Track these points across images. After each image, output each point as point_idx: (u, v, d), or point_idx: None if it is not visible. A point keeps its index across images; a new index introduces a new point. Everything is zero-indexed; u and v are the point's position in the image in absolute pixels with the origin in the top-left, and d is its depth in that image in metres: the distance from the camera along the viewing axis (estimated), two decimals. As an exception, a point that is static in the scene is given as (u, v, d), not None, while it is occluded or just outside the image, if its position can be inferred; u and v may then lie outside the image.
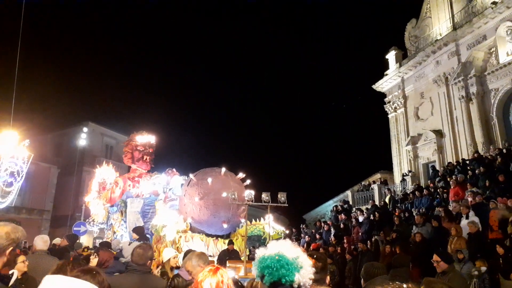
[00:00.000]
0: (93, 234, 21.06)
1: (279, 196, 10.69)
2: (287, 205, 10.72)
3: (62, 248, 9.17)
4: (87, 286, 1.84)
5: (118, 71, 71.60)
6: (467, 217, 10.52)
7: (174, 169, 13.36)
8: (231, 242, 10.85)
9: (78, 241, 10.59)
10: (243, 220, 12.01)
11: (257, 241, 12.19)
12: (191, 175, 11.61)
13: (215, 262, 9.77)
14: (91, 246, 13.73)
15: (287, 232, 16.01)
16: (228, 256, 10.04)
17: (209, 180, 11.10)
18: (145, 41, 73.62)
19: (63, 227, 24.10)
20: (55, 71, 60.81)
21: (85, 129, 27.09)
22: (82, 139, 26.06)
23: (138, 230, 10.03)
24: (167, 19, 74.42)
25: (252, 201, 10.53)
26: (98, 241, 14.02)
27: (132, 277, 3.83)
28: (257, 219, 12.43)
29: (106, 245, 9.66)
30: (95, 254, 8.21)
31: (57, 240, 10.35)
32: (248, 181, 11.82)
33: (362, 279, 4.01)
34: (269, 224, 11.64)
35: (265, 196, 10.55)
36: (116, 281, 3.81)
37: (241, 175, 11.89)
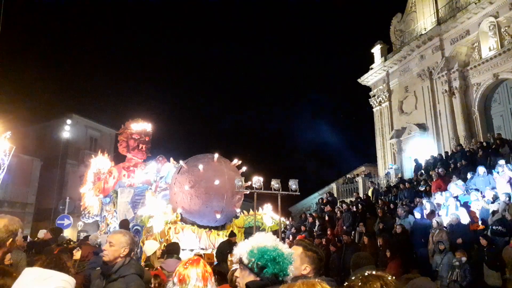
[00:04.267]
0: (77, 227, 20.88)
1: (290, 183, 10.11)
2: (299, 193, 10.22)
3: (42, 241, 9.04)
4: (59, 276, 1.92)
5: (103, 62, 70.63)
6: (456, 209, 10.68)
7: (171, 158, 12.79)
8: (233, 234, 10.04)
9: (62, 234, 10.42)
10: (238, 210, 11.56)
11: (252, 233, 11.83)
12: (181, 162, 11.03)
13: (214, 255, 9.48)
14: (75, 240, 13.53)
15: (287, 222, 15.31)
16: (229, 249, 9.10)
17: (201, 167, 10.42)
18: (129, 31, 72.65)
19: (47, 221, 23.76)
20: (38, 62, 59.69)
21: (68, 121, 26.62)
22: (66, 132, 25.59)
23: (123, 224, 9.78)
24: (151, 6, 73.50)
25: (261, 189, 9.89)
26: (82, 234, 13.85)
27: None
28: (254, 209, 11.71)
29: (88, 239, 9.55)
30: (78, 247, 8.18)
31: (41, 233, 10.21)
32: (244, 168, 11.29)
33: (351, 270, 4.09)
34: (278, 213, 11.00)
35: (275, 183, 9.93)
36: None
37: (236, 161, 11.31)
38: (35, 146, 28.83)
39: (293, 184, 9.91)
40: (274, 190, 10.00)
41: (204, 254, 9.28)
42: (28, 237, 13.82)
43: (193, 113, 75.67)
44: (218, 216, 10.62)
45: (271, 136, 74.35)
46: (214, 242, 10.52)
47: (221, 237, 10.60)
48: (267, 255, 2.05)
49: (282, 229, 13.90)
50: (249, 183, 10.30)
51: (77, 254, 7.29)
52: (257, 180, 9.94)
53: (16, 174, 24.15)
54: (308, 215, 17.45)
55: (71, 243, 10.52)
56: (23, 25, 56.97)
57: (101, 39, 69.89)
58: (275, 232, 13.96)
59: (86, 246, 8.89)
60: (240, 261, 2.14)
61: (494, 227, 9.27)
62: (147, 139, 13.48)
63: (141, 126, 13.45)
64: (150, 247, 6.33)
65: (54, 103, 52.06)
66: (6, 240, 2.60)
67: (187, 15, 73.85)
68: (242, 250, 2.15)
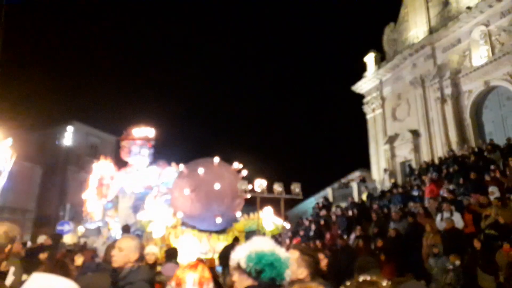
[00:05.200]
0: (78, 233, 20.80)
1: (292, 187, 9.90)
2: (302, 197, 10.15)
3: (37, 247, 9.04)
4: (66, 283, 1.94)
5: (103, 69, 70.54)
6: (451, 214, 10.85)
7: (173, 163, 12.61)
8: (237, 239, 9.82)
9: (61, 240, 10.46)
10: (239, 214, 11.56)
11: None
12: (182, 166, 11.03)
13: (216, 260, 9.41)
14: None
15: (288, 226, 15.22)
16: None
17: (201, 171, 10.37)
18: (129, 37, 72.65)
19: (47, 227, 23.68)
20: (39, 69, 59.50)
21: (69, 128, 26.39)
22: (67, 139, 25.38)
23: (125, 229, 9.85)
24: (150, 10, 73.57)
25: (264, 193, 9.69)
26: (83, 240, 13.86)
27: (102, 277, 3.52)
28: (254, 213, 11.68)
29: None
30: (80, 253, 8.21)
31: (41, 239, 10.23)
32: (244, 172, 11.14)
33: (355, 273, 4.09)
34: (281, 217, 10.88)
35: (278, 187, 9.73)
36: (85, 281, 3.46)
37: (236, 165, 11.18)
38: (36, 153, 28.65)
39: (296, 187, 9.78)
40: (277, 194, 9.90)
41: (205, 258, 9.31)
42: (28, 242, 13.87)
43: (195, 118, 75.41)
44: (219, 220, 10.55)
45: (267, 142, 74.48)
46: (214, 246, 10.46)
47: (221, 241, 10.50)
48: (264, 259, 2.09)
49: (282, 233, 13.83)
50: (249, 187, 10.33)
51: (78, 260, 7.14)
52: (260, 184, 9.86)
53: (17, 181, 24.04)
54: (304, 219, 17.67)
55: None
56: (24, 32, 56.89)
57: (102, 46, 69.96)
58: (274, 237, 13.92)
59: (88, 251, 8.98)
60: (238, 266, 2.17)
61: (487, 231, 9.41)
62: (149, 145, 13.47)
63: (143, 132, 13.46)
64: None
65: (55, 110, 51.89)
66: (5, 247, 2.66)
67: (186, 17, 74.12)
68: (240, 254, 2.18)
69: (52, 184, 26.61)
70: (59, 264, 4.02)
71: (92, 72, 65.36)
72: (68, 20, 64.98)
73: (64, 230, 16.41)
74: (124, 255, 3.16)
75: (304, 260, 2.69)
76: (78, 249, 9.88)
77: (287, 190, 10.15)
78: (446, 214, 10.78)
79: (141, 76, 72.68)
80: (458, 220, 10.40)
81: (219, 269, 8.80)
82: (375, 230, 11.98)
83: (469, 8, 20.84)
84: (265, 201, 11.08)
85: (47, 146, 29.93)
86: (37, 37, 61.32)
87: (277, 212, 12.86)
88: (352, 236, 13.09)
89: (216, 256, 9.82)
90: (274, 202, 10.84)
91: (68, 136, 25.47)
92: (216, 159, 11.02)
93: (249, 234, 11.17)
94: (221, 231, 11.22)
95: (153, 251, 6.11)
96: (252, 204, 17.36)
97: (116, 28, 72.67)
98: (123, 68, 72.57)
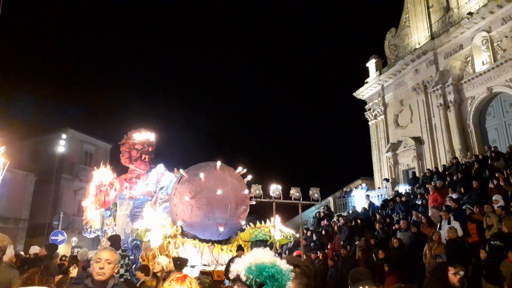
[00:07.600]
0: (72, 243, 20.57)
1: (311, 192, 9.57)
2: (320, 203, 9.66)
3: (36, 258, 8.80)
4: None
5: (98, 76, 70.71)
6: (449, 223, 10.61)
7: (175, 168, 12.14)
8: (240, 248, 9.45)
9: (56, 250, 10.15)
10: (243, 222, 10.69)
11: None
12: (181, 171, 10.26)
13: (223, 272, 9.00)
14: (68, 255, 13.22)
15: (297, 235, 15.00)
16: None
17: (202, 175, 9.67)
18: (123, 43, 72.88)
19: (40, 236, 23.47)
20: (33, 76, 59.68)
21: (63, 136, 26.25)
22: (61, 146, 25.14)
23: (114, 239, 9.41)
24: (143, 18, 73.93)
25: (280, 198, 9.33)
26: (76, 250, 13.52)
27: None
28: (262, 221, 11.14)
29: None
30: (75, 264, 7.97)
31: (35, 249, 9.91)
32: (249, 177, 10.53)
33: (349, 286, 4.04)
34: (300, 225, 10.64)
35: (295, 192, 9.43)
36: None
37: (240, 169, 10.51)
38: (29, 161, 28.69)
39: (315, 192, 9.38)
40: (294, 199, 9.47)
41: (213, 270, 8.79)
42: (21, 253, 13.58)
43: (195, 123, 75.27)
44: (221, 229, 9.80)
45: (266, 149, 74.29)
46: (217, 257, 9.85)
47: (225, 252, 9.92)
48: (265, 272, 2.01)
49: (291, 242, 13.35)
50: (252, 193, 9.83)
51: (73, 272, 7.12)
52: (275, 189, 9.38)
53: (10, 189, 23.88)
54: (305, 229, 17.37)
55: (64, 258, 10.32)
56: (17, 39, 57.16)
57: (96, 52, 70.18)
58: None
59: (79, 262, 8.71)
60: (238, 278, 2.09)
61: (492, 242, 9.18)
62: (150, 150, 12.94)
63: (144, 136, 12.90)
64: (163, 262, 6.22)
65: (49, 117, 51.81)
66: None
67: (183, 22, 74.44)
68: (240, 266, 2.09)
69: (46, 192, 26.35)
70: (26, 277, 3.81)
71: (86, 79, 65.56)
72: (61, 26, 65.30)
73: (58, 240, 16.13)
74: (112, 268, 3.16)
75: (294, 271, 2.47)
76: (72, 260, 9.61)
77: (304, 195, 9.73)
78: (444, 223, 10.56)
79: (135, 82, 72.72)
80: (459, 229, 10.16)
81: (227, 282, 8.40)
82: (372, 241, 11.72)
83: (470, 13, 20.73)
84: (267, 208, 10.58)
85: (41, 154, 29.89)
86: (30, 44, 61.57)
87: (283, 220, 12.48)
88: (354, 246, 12.84)
89: (221, 268, 9.29)
90: (279, 209, 10.36)
91: (62, 144, 25.11)
92: (218, 163, 10.29)
93: (256, 244, 10.74)
94: (225, 241, 10.45)
95: (160, 261, 6.14)
96: (255, 213, 16.92)
97: (111, 35, 72.91)
98: (118, 75, 72.71)
